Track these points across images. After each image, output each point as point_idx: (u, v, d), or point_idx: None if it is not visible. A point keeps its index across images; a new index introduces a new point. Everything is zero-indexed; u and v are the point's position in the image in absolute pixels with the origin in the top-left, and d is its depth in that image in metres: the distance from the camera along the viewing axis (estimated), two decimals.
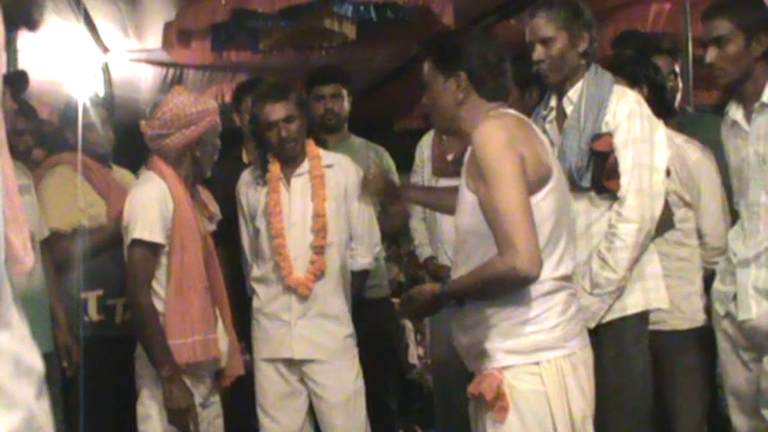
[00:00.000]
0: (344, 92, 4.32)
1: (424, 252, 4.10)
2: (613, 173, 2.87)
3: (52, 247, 3.51)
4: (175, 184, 3.10)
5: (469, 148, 2.36)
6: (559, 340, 2.30)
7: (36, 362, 1.21)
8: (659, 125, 3.01)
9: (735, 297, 2.99)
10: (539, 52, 2.99)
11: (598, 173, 2.89)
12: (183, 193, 3.11)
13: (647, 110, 2.96)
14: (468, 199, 2.33)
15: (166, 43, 5.29)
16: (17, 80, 3.48)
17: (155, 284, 3.07)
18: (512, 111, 2.44)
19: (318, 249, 3.45)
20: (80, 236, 3.61)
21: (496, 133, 2.28)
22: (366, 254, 3.64)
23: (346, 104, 4.34)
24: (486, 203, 2.24)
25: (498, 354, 2.30)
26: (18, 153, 3.44)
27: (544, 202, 2.29)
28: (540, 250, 2.19)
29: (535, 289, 2.27)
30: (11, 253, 1.18)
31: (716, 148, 3.25)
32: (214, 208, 3.32)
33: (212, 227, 3.31)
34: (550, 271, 2.28)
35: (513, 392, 2.26)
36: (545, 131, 3.04)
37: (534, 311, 2.29)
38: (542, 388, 2.26)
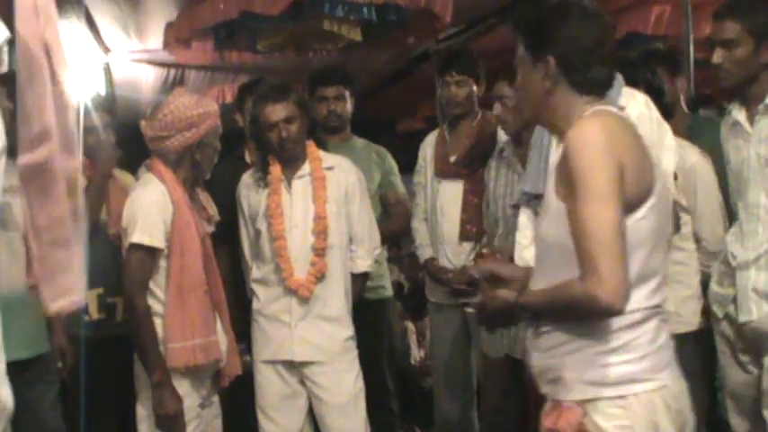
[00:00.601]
0: (347, 93, 4.31)
1: (425, 253, 4.10)
2: None
3: None
4: (174, 186, 3.10)
5: (560, 148, 2.09)
6: (648, 372, 2.01)
7: (7, 399, 1.18)
8: (668, 128, 2.99)
9: (734, 299, 2.99)
10: None
11: None
12: (182, 195, 3.11)
13: (656, 113, 2.91)
14: (555, 207, 2.04)
15: (168, 44, 5.29)
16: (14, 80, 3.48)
17: (155, 288, 3.08)
18: (614, 109, 2.14)
19: (319, 251, 3.44)
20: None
21: (596, 136, 1.97)
22: (366, 256, 3.63)
23: (349, 106, 4.33)
24: (572, 217, 1.96)
25: (579, 384, 2.03)
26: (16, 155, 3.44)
27: (643, 221, 1.99)
28: (627, 281, 1.92)
29: (624, 317, 1.98)
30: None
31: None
32: (212, 210, 3.32)
33: (211, 228, 3.31)
34: (644, 300, 2.01)
35: (598, 430, 1.99)
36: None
37: (622, 340, 2.00)
38: (629, 423, 1.98)
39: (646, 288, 2.02)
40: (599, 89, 2.13)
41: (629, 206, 1.96)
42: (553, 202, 2.06)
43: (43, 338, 3.38)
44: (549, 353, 2.09)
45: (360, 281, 3.66)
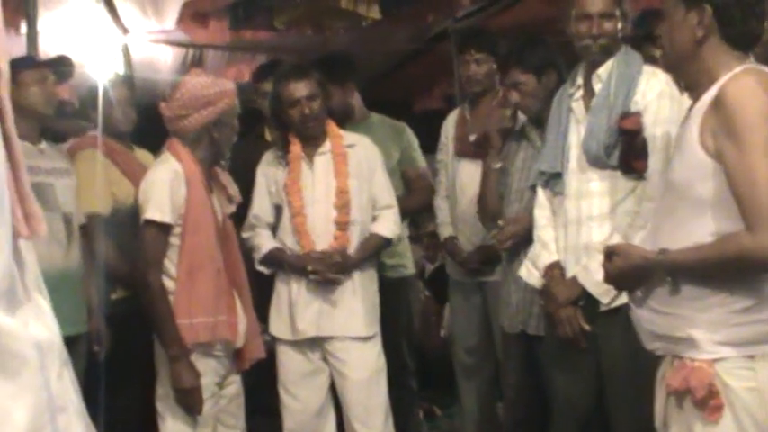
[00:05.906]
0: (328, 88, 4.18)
1: (445, 231, 4.09)
2: (642, 153, 2.82)
3: (88, 230, 3.54)
4: (190, 165, 3.12)
5: (706, 101, 2.04)
6: None
7: (55, 339, 1.18)
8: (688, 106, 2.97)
9: None
10: (603, 27, 2.92)
11: (626, 152, 2.84)
12: (198, 174, 3.13)
13: (676, 91, 2.88)
14: (699, 160, 2.02)
15: (185, 23, 5.29)
16: (62, 66, 3.53)
17: (168, 264, 3.10)
18: (765, 67, 2.07)
19: (342, 225, 3.47)
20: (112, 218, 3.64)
21: (758, 91, 1.97)
22: (393, 225, 3.61)
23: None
24: (736, 170, 1.95)
25: (709, 344, 2.01)
26: (46, 135, 3.48)
27: None
28: None
29: (757, 276, 2.00)
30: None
31: None
32: (233, 190, 3.34)
33: (232, 208, 3.32)
34: None
35: (726, 390, 1.98)
36: (571, 110, 3.01)
37: (753, 300, 1.99)
38: (755, 385, 1.98)
39: None
40: (750, 45, 2.10)
41: None
42: (697, 155, 2.02)
43: (80, 320, 3.40)
44: (672, 309, 2.07)
45: (379, 242, 3.61)
